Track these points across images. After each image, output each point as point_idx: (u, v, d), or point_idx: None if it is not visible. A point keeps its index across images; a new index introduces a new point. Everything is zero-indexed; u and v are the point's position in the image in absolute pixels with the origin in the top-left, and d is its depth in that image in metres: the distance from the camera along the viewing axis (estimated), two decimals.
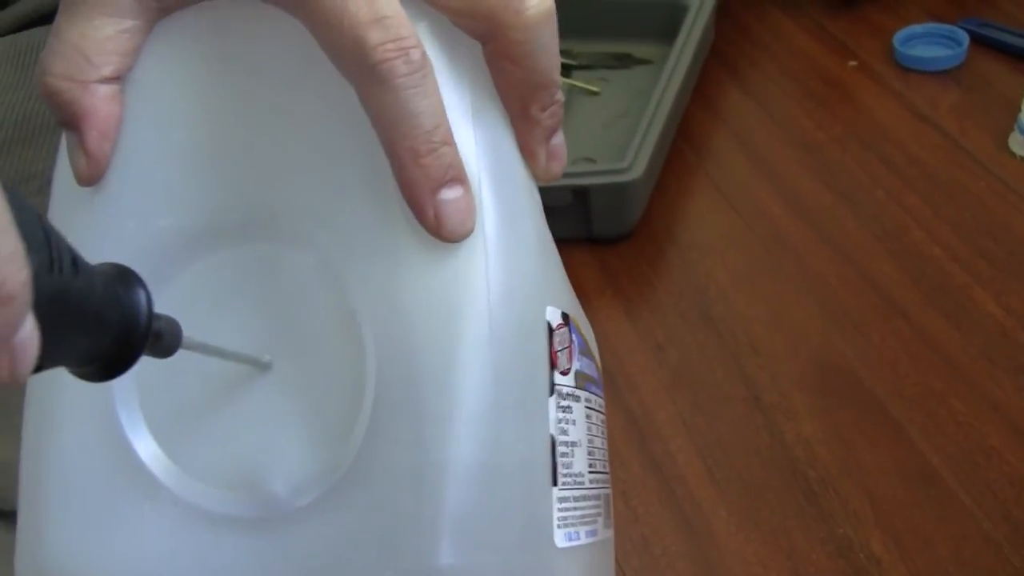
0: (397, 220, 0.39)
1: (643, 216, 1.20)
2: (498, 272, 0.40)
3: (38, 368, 0.29)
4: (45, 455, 0.40)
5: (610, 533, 0.48)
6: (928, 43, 1.36)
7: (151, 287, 0.33)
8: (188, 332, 0.36)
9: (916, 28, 1.37)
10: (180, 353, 0.36)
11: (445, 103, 0.38)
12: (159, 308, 0.34)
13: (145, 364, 0.38)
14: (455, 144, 0.38)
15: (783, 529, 0.88)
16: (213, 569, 0.38)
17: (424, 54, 0.37)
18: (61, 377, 0.38)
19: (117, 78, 0.40)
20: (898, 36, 1.36)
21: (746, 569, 0.86)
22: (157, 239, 0.39)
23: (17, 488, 0.42)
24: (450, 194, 0.38)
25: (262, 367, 0.39)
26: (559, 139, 0.43)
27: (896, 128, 1.26)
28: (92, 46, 0.39)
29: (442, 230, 0.38)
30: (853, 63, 1.38)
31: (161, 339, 0.35)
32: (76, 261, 0.30)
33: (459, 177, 0.38)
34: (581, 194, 1.14)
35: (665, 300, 1.11)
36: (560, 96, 0.42)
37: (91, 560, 0.39)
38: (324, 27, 0.37)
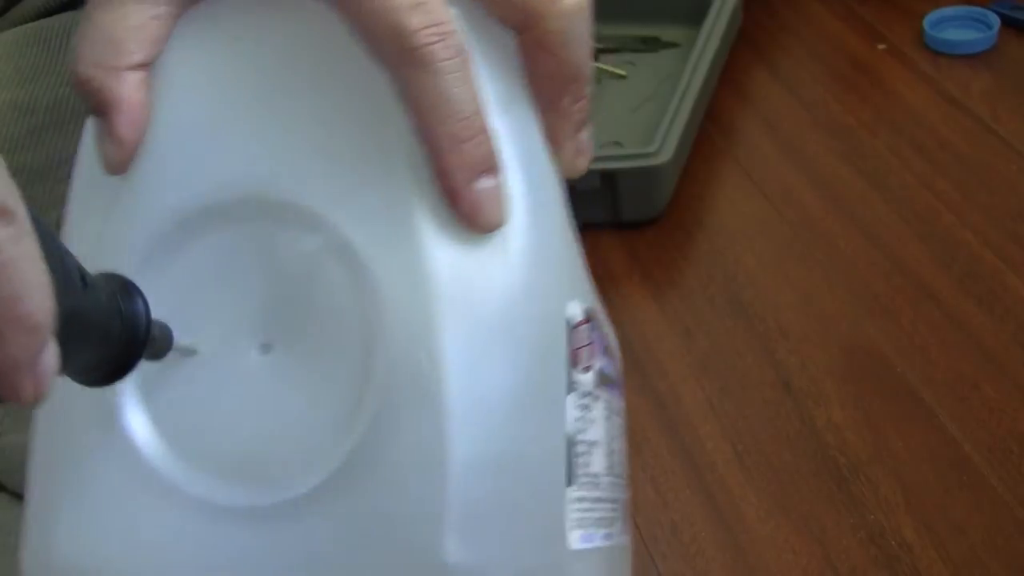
0: (418, 208, 0.38)
1: (671, 200, 1.19)
2: (520, 264, 0.39)
3: None
4: (50, 445, 0.40)
5: (627, 540, 0.47)
6: (959, 26, 1.35)
7: (155, 267, 0.35)
8: (183, 318, 0.37)
9: (947, 11, 1.36)
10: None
11: None
12: (161, 292, 0.36)
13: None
14: (490, 133, 0.38)
15: (814, 515, 0.87)
16: (214, 557, 0.38)
17: (462, 40, 0.37)
18: None
19: (146, 65, 0.40)
20: (928, 19, 1.35)
21: (776, 555, 0.85)
22: (162, 217, 0.39)
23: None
24: (487, 183, 0.38)
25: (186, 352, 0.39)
26: (587, 133, 0.43)
27: (926, 112, 1.25)
28: (123, 33, 0.39)
29: (478, 219, 0.38)
30: (882, 46, 1.37)
31: (154, 344, 0.36)
32: (84, 277, 0.32)
33: (495, 166, 0.38)
34: (609, 178, 1.13)
35: (693, 285, 1.11)
36: (590, 90, 0.42)
37: (96, 551, 0.39)
38: (361, 12, 0.37)
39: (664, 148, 1.15)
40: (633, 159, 1.15)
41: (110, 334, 0.34)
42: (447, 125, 0.37)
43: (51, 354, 0.29)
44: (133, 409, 0.39)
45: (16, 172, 0.62)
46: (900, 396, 0.95)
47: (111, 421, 0.39)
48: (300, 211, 0.38)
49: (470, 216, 0.38)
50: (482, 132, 0.38)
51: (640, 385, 1.00)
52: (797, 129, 1.28)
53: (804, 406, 0.96)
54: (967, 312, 1.02)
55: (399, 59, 0.37)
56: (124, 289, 0.35)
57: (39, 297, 0.28)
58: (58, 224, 0.58)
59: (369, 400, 0.37)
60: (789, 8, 1.47)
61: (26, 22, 0.62)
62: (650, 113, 1.27)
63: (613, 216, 1.17)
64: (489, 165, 0.38)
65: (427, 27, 0.36)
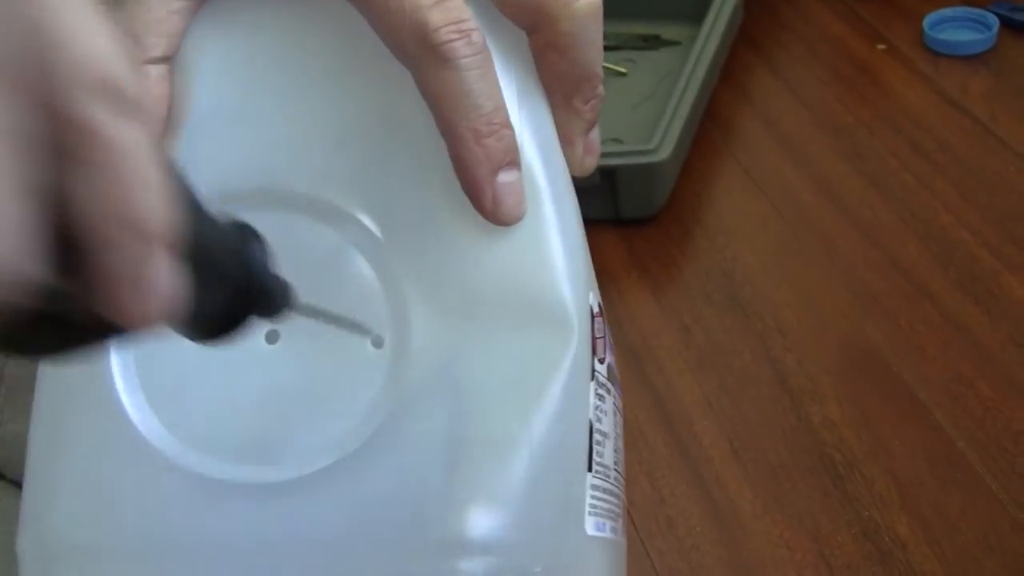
0: (443, 199, 0.39)
1: (670, 198, 1.20)
2: (546, 252, 0.40)
3: None
4: (51, 429, 0.41)
5: (624, 541, 0.48)
6: (958, 27, 1.35)
7: None
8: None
9: (946, 12, 1.36)
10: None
11: None
12: None
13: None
14: (512, 128, 0.39)
15: (808, 511, 0.88)
16: (218, 535, 0.38)
17: (483, 37, 0.38)
18: None
19: (167, 59, 0.40)
20: (928, 20, 1.35)
21: (771, 551, 0.86)
22: None
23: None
24: (508, 177, 0.38)
25: (370, 337, 0.38)
26: (596, 133, 0.43)
27: (926, 113, 1.26)
28: (143, 27, 0.39)
29: (499, 213, 0.39)
30: (882, 46, 1.37)
31: (272, 300, 0.32)
32: (200, 207, 0.28)
33: (516, 161, 0.39)
34: (608, 175, 1.14)
35: (692, 282, 1.11)
36: (601, 90, 0.42)
37: (96, 532, 0.39)
38: (382, 9, 0.37)
39: (664, 145, 1.15)
40: (633, 156, 1.15)
41: (226, 274, 0.30)
42: (469, 120, 0.37)
43: (167, 274, 0.25)
44: (130, 389, 0.39)
45: None
46: (896, 394, 0.96)
47: (108, 402, 0.39)
48: (318, 202, 0.39)
49: (491, 209, 0.38)
50: (504, 126, 0.38)
51: (637, 381, 1.00)
52: (796, 128, 1.28)
53: (801, 403, 0.97)
54: (964, 312, 1.02)
55: (421, 56, 0.37)
56: (242, 229, 0.31)
57: (154, 202, 0.24)
58: None
59: (389, 384, 0.38)
60: (789, 7, 1.47)
61: None
62: (650, 111, 1.27)
63: (612, 213, 1.17)
64: (510, 159, 0.39)
65: (448, 24, 0.37)
